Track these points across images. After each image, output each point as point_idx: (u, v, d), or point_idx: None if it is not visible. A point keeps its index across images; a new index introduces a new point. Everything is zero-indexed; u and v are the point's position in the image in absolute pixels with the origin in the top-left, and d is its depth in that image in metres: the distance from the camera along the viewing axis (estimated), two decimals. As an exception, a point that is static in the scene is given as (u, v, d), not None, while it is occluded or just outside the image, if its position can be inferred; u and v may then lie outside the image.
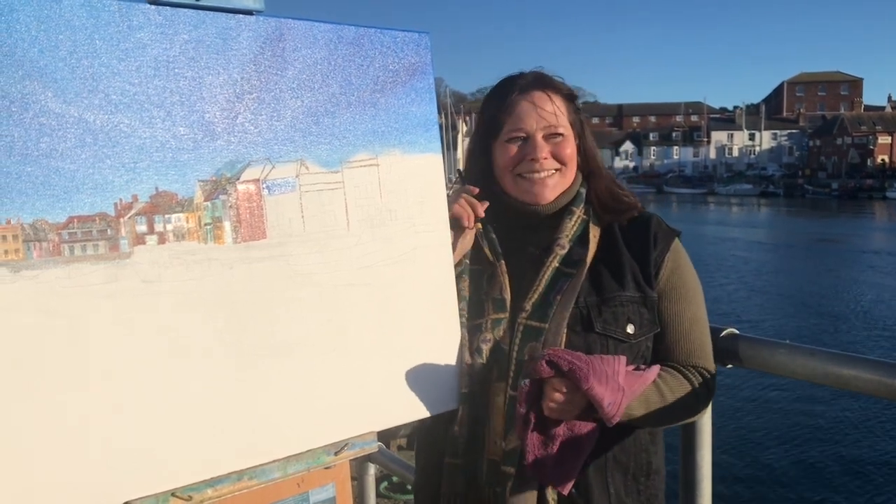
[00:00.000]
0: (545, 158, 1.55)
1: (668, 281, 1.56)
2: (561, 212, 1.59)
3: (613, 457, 1.52)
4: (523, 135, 1.56)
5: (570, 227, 1.58)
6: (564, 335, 1.46)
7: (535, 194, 1.57)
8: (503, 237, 1.60)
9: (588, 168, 1.65)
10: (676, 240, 1.60)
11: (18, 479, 1.04)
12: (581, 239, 1.57)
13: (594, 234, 1.58)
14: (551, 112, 1.55)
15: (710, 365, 1.59)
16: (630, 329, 1.50)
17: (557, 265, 1.53)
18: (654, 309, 1.54)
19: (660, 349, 1.56)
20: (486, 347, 1.49)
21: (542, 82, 1.58)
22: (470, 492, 1.50)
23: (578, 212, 1.60)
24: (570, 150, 1.58)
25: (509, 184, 1.60)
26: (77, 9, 1.09)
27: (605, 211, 1.62)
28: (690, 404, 1.53)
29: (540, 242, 1.58)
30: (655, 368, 1.47)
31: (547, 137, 1.56)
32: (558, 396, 1.35)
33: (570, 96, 1.61)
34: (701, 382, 1.55)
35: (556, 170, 1.57)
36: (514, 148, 1.57)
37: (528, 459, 1.40)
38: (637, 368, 1.43)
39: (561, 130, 1.57)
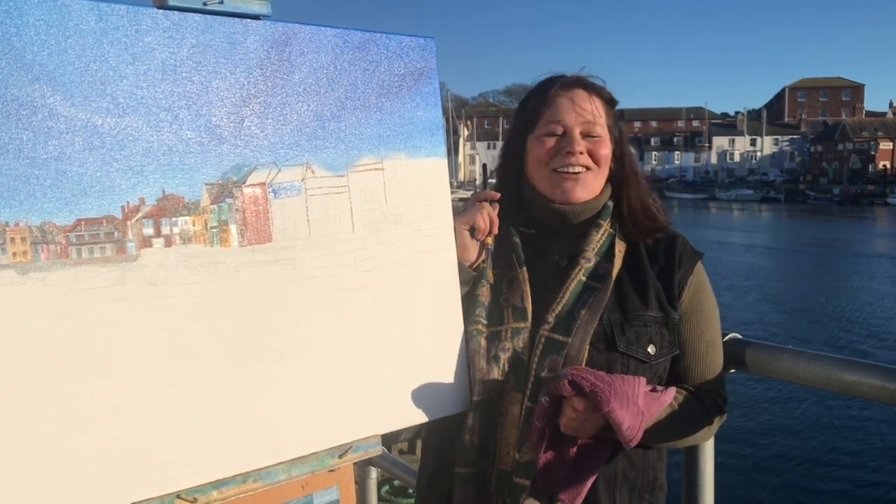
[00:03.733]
0: (581, 153, 1.53)
1: (689, 303, 1.55)
2: (587, 223, 1.58)
3: (623, 472, 1.51)
4: (561, 129, 1.54)
5: (597, 240, 1.56)
6: (587, 351, 1.45)
7: (567, 190, 1.55)
8: (525, 242, 1.58)
9: (623, 174, 1.62)
10: (699, 262, 1.59)
11: (24, 480, 1.04)
12: (607, 253, 1.55)
13: (620, 249, 1.56)
14: (590, 111, 1.54)
15: (723, 389, 1.60)
16: (651, 350, 1.49)
17: (583, 278, 1.52)
18: (675, 330, 1.53)
19: (675, 370, 1.56)
20: (504, 357, 1.47)
21: (584, 83, 1.58)
22: (480, 501, 1.48)
23: (605, 225, 1.58)
24: (605, 151, 1.56)
25: (542, 179, 1.57)
26: (85, 13, 1.10)
27: (636, 227, 1.60)
28: (702, 428, 1.55)
29: (564, 252, 1.57)
30: (672, 391, 1.46)
31: (584, 135, 1.54)
32: (577, 415, 1.35)
33: (610, 101, 1.60)
34: (714, 406, 1.55)
35: (589, 168, 1.55)
36: (550, 141, 1.55)
37: (541, 473, 1.40)
38: (654, 389, 1.43)
39: (598, 131, 1.55)
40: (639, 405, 1.33)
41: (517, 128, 1.63)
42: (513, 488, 1.44)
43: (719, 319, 1.61)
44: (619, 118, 1.62)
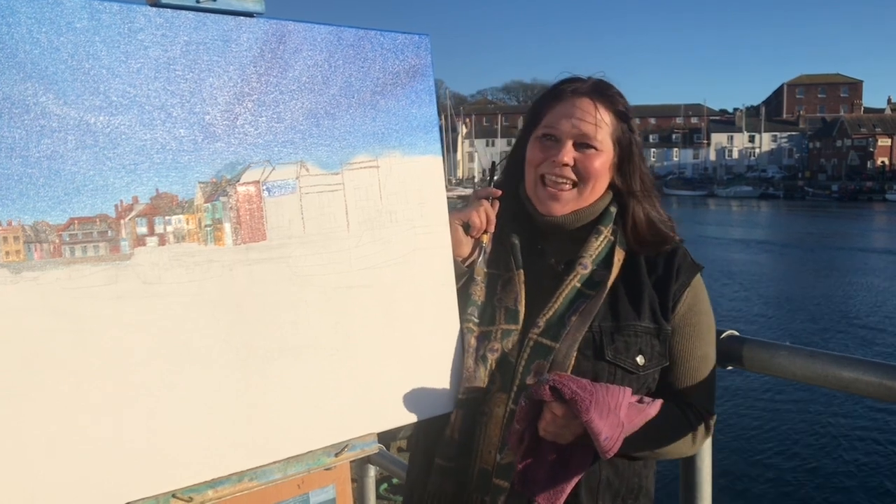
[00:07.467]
0: (566, 165, 1.51)
1: (683, 316, 1.53)
2: (587, 228, 1.56)
3: (607, 479, 1.49)
4: (555, 135, 1.53)
5: (596, 247, 1.54)
6: (574, 358, 1.43)
7: (546, 204, 1.54)
8: (524, 242, 1.57)
9: (629, 190, 1.58)
10: (698, 275, 1.57)
11: (20, 480, 1.04)
12: (605, 261, 1.53)
13: (619, 257, 1.54)
14: (591, 122, 1.51)
15: (712, 405, 1.57)
16: (640, 360, 1.47)
17: (578, 285, 1.50)
18: (667, 342, 1.51)
19: (665, 383, 1.53)
20: (491, 357, 1.47)
21: (596, 90, 1.54)
22: (457, 497, 1.47)
23: (606, 231, 1.56)
24: (597, 164, 1.52)
25: (530, 182, 1.57)
26: (78, 10, 1.09)
27: (637, 241, 1.56)
28: (685, 444, 1.52)
29: (561, 256, 1.55)
30: (658, 404, 1.42)
31: (577, 145, 1.52)
32: (555, 421, 1.33)
33: (621, 113, 1.55)
34: (700, 423, 1.53)
35: (574, 183, 1.53)
36: (544, 145, 1.54)
37: (518, 476, 1.38)
38: (641, 400, 1.40)
39: (595, 143, 1.51)
40: (620, 416, 1.31)
41: (524, 126, 1.62)
42: (492, 488, 1.43)
43: (714, 335, 1.58)
44: (630, 130, 1.57)
